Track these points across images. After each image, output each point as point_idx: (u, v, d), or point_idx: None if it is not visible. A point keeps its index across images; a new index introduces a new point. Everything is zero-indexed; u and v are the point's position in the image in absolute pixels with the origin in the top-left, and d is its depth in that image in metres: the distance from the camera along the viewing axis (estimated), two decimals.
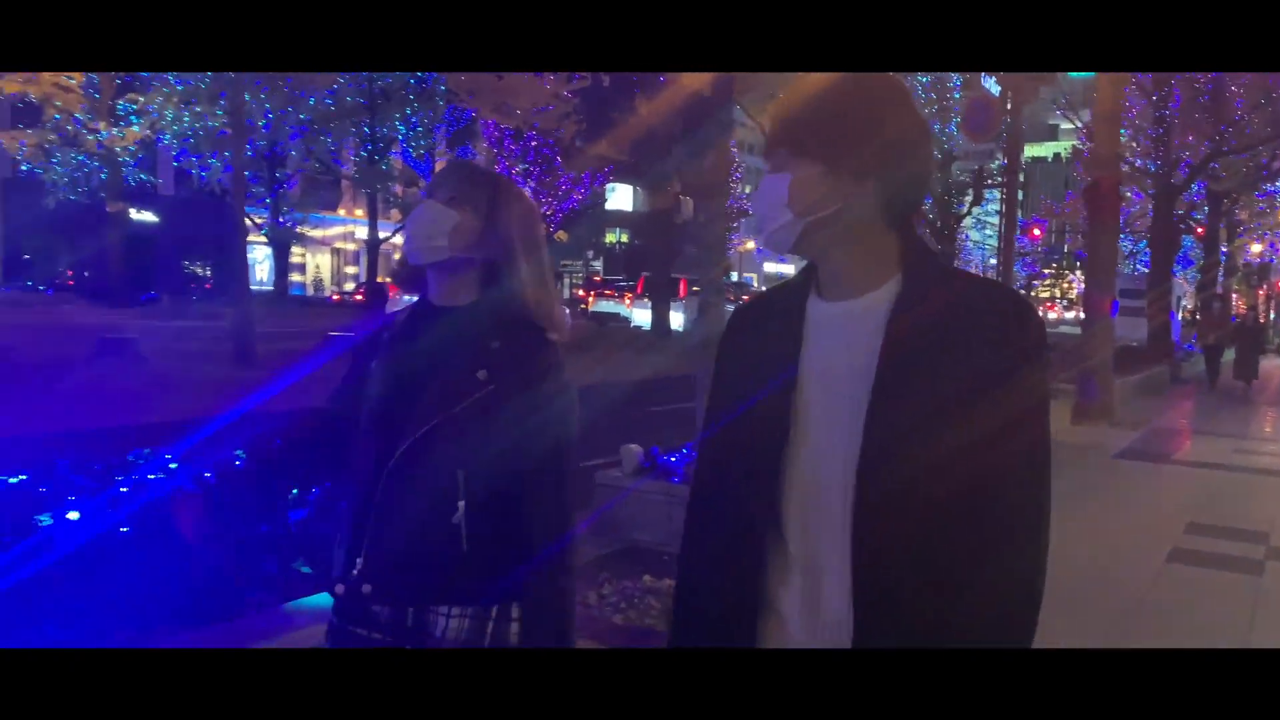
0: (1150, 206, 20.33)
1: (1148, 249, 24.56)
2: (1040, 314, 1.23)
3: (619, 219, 49.95)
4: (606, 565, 4.42)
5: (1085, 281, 11.30)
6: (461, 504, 1.53)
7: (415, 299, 1.71)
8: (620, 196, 49.42)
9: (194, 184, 30.42)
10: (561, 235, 39.38)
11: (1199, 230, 25.95)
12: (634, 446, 4.98)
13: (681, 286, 19.78)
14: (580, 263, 46.80)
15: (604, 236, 49.79)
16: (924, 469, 1.12)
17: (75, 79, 20.46)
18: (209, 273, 34.96)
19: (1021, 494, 1.16)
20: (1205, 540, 6.13)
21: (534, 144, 32.88)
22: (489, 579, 1.54)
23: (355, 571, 1.57)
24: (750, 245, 55.93)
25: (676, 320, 21.08)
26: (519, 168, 34.91)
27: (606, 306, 26.37)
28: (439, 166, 32.48)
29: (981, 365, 1.13)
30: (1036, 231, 37.34)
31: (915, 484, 1.13)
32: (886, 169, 1.19)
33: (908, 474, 1.12)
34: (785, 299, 1.29)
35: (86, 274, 29.46)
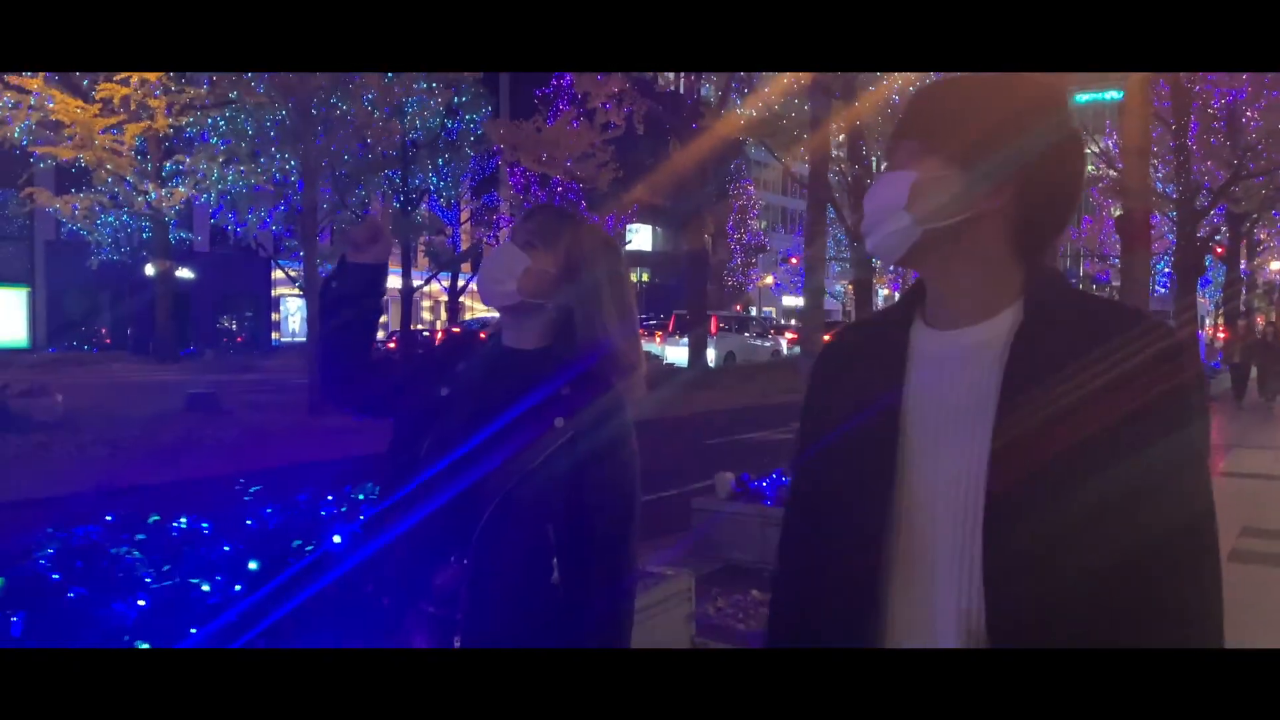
0: (1169, 230, 20.75)
1: (1166, 270, 24.91)
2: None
3: (640, 259, 50.73)
4: (712, 582, 4.83)
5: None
6: (555, 563, 1.50)
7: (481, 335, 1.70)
8: (641, 237, 50.21)
9: (230, 240, 31.34)
10: None
11: (1219, 250, 26.28)
12: (727, 474, 5.41)
13: (713, 323, 20.25)
14: None
15: None
16: (1063, 530, 0.99)
17: (126, 142, 21.27)
18: (234, 326, 35.76)
19: (1185, 560, 1.01)
20: (1261, 542, 6.49)
21: (559, 189, 33.82)
22: (582, 635, 1.50)
23: (457, 641, 1.52)
24: (769, 280, 56.51)
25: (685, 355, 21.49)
26: None
27: None
28: (464, 215, 33.43)
29: (1128, 408, 0.99)
30: None
31: (1052, 547, 0.99)
32: (1028, 181, 1.06)
33: (1043, 534, 0.99)
34: (885, 326, 1.19)
35: (129, 331, 30.28)
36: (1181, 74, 16.00)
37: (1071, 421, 0.99)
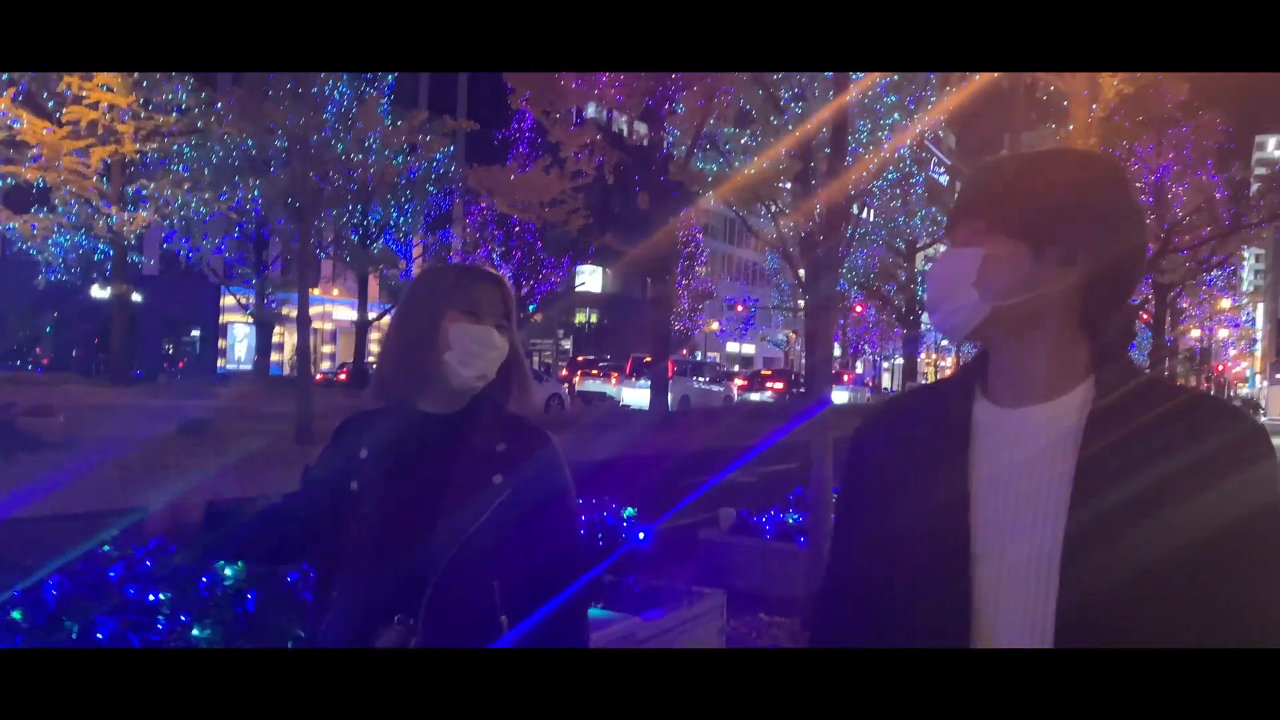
0: None
1: None
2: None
3: (590, 300, 51.37)
4: None
5: None
6: (504, 619, 1.51)
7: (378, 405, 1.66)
8: (591, 278, 50.94)
9: (180, 265, 31.16)
10: (537, 316, 40.62)
11: (1144, 317, 27.85)
12: (729, 509, 5.94)
13: (669, 367, 20.88)
14: (550, 341, 47.85)
15: (574, 317, 51.04)
16: (1141, 620, 0.98)
17: (91, 165, 21.27)
18: (175, 351, 35.29)
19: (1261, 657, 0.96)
20: None
21: (516, 229, 34.28)
22: None
23: None
24: (715, 326, 57.59)
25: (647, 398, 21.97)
26: (499, 250, 36.23)
27: (594, 386, 27.35)
28: (416, 250, 33.62)
29: (1207, 495, 0.98)
30: None
31: (1124, 619, 0.99)
32: (1096, 257, 1.06)
33: (1118, 621, 0.99)
34: (944, 400, 1.17)
35: (74, 353, 29.80)
36: (1115, 149, 17.19)
37: (1148, 506, 0.98)
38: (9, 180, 21.36)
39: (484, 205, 33.31)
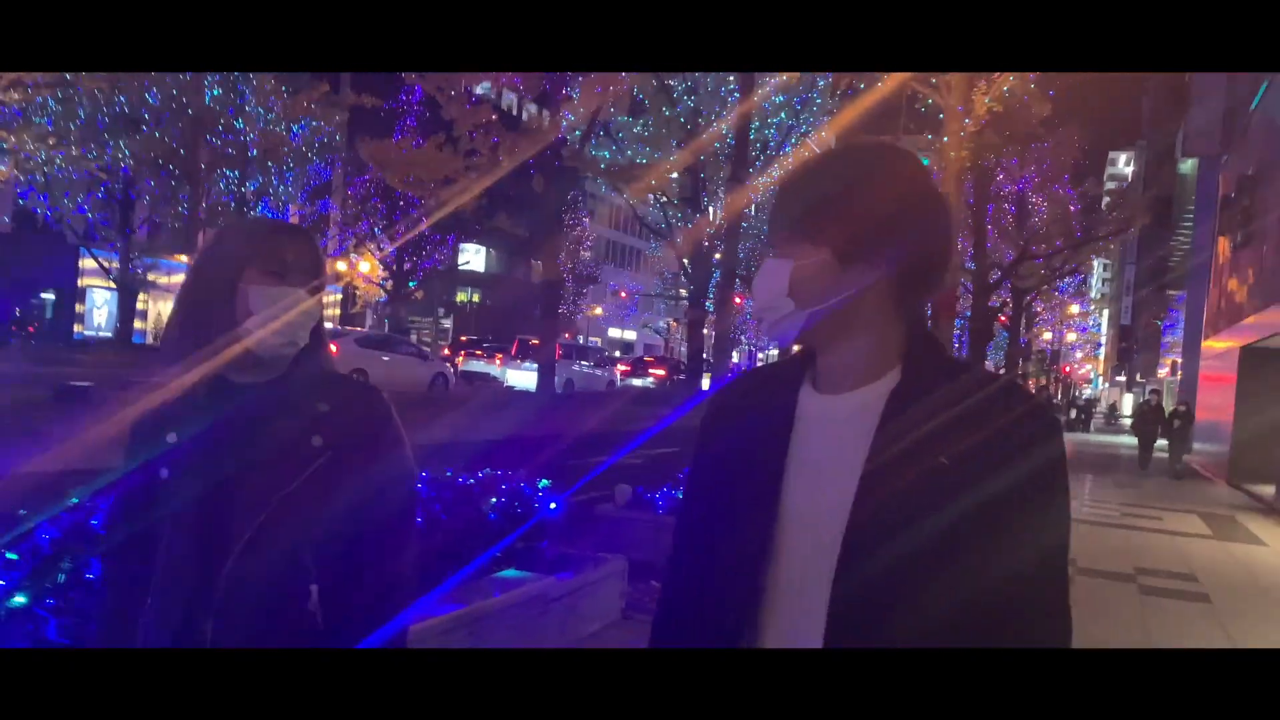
0: (966, 300, 23.60)
1: (962, 335, 28.08)
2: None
3: (472, 279, 50.87)
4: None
5: None
6: (314, 588, 1.41)
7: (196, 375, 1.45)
8: (474, 257, 50.46)
9: (37, 224, 29.45)
10: (419, 294, 40.08)
11: (1002, 319, 29.74)
12: (625, 486, 6.29)
13: (556, 350, 21.12)
14: (430, 320, 47.23)
15: (456, 295, 50.50)
16: (909, 579, 1.03)
17: None
18: (21, 315, 33.33)
19: (1031, 624, 1.05)
20: None
21: (402, 201, 33.72)
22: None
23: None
24: (598, 310, 57.97)
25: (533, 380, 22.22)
26: (381, 224, 35.60)
27: (477, 366, 27.28)
28: (294, 220, 32.57)
29: (992, 473, 1.02)
30: None
31: (897, 598, 1.03)
32: (900, 251, 1.08)
33: (887, 585, 1.03)
34: (775, 386, 1.20)
35: None
36: (982, 161, 18.37)
37: (933, 480, 1.02)
38: None
39: (367, 177, 32.75)
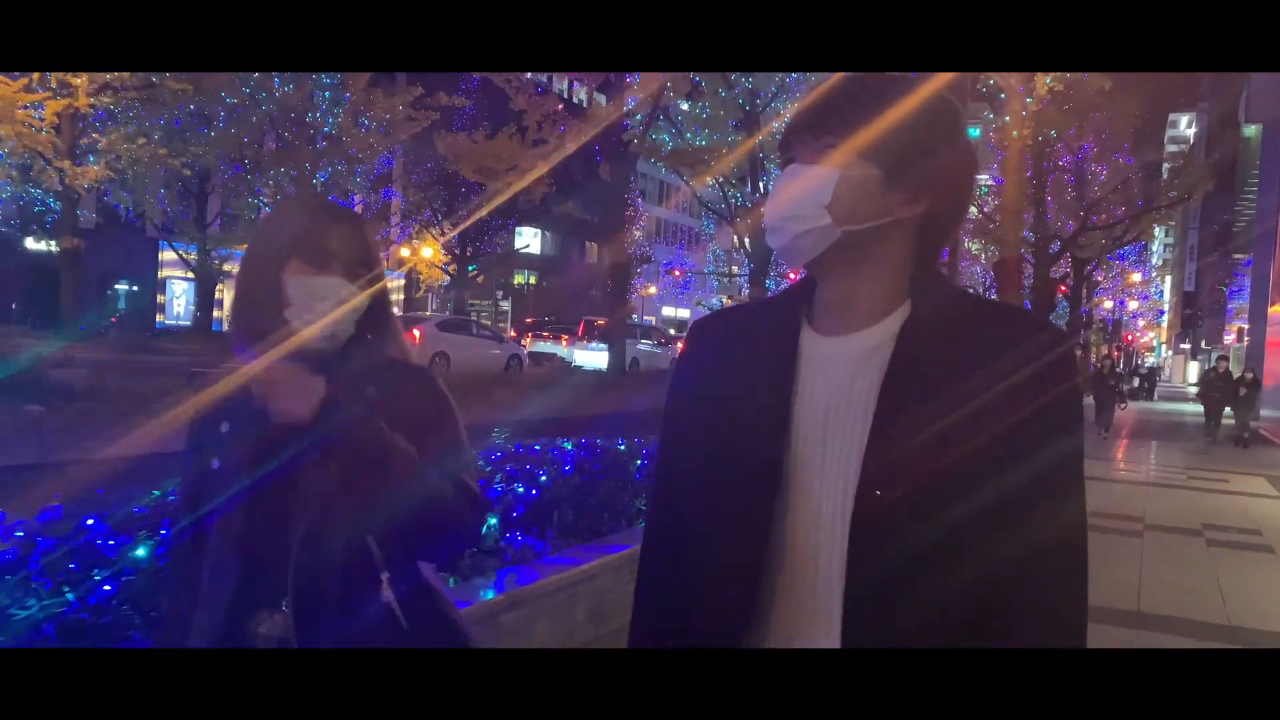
0: (1027, 272, 23.78)
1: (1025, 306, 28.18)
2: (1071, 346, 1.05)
3: (528, 261, 51.74)
4: None
5: None
6: (385, 576, 1.39)
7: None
8: (530, 239, 51.30)
9: (120, 218, 30.81)
10: (479, 278, 40.97)
11: (1062, 289, 29.72)
12: None
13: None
14: (489, 302, 48.14)
15: (513, 278, 51.38)
16: (931, 535, 0.96)
17: (46, 119, 21.11)
18: (106, 306, 34.90)
19: (1058, 572, 1.00)
20: (1097, 520, 8.51)
21: (463, 189, 34.52)
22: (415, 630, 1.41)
23: None
24: (652, 290, 58.50)
25: (604, 360, 22.82)
26: (443, 210, 36.49)
27: (544, 347, 28.07)
28: (359, 209, 33.47)
29: (1012, 410, 0.97)
30: None
31: (918, 553, 0.97)
32: (940, 189, 1.06)
33: (909, 538, 0.97)
34: (768, 327, 1.13)
35: (13, 305, 29.39)
36: (1040, 135, 18.54)
37: (953, 422, 0.97)
38: None
39: (429, 165, 33.57)
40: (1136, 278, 46.22)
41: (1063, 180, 23.36)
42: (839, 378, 1.06)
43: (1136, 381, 38.62)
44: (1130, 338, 61.67)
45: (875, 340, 1.06)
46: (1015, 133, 12.29)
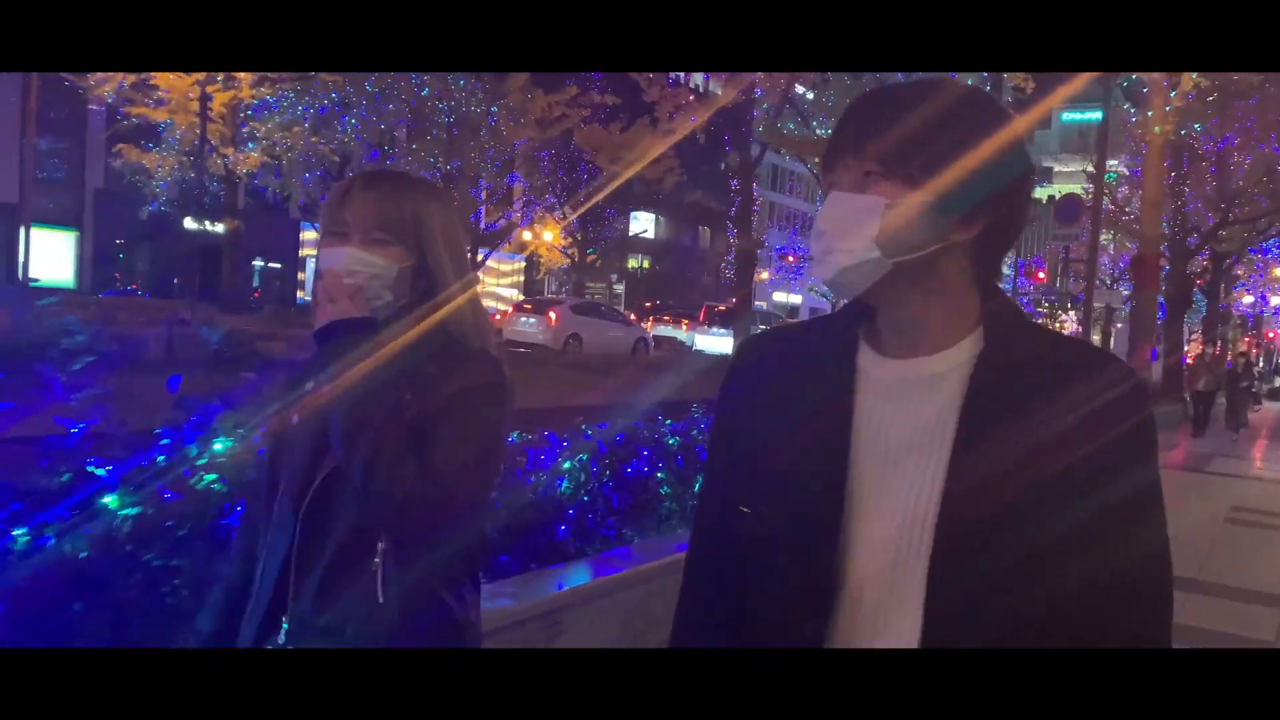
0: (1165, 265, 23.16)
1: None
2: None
3: (641, 245, 52.49)
4: None
5: (1131, 332, 13.93)
6: (381, 545, 1.39)
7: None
8: (643, 224, 51.98)
9: (267, 199, 32.81)
10: (597, 262, 41.90)
11: (1199, 283, 28.71)
12: None
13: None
14: (604, 285, 49.03)
15: (627, 262, 52.21)
16: (1014, 571, 0.94)
17: (214, 109, 22.81)
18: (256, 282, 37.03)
19: (1140, 604, 0.98)
20: (1249, 515, 8.68)
21: (585, 174, 35.35)
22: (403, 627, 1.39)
23: (281, 639, 1.43)
24: (765, 275, 58.50)
25: (728, 345, 23.45)
26: (564, 196, 37.42)
27: (665, 331, 28.75)
28: (485, 194, 34.44)
29: (1089, 444, 0.95)
30: (1041, 275, 40.04)
31: (1000, 588, 0.95)
32: (1001, 210, 1.01)
33: (992, 573, 0.95)
34: (825, 348, 1.09)
35: (175, 280, 31.71)
36: (1182, 128, 18.07)
37: (1031, 457, 0.95)
38: (133, 120, 23.02)
39: (551, 152, 34.49)
40: (1279, 272, 43.96)
41: (1203, 171, 22.60)
42: (907, 401, 1.03)
43: (1278, 381, 36.90)
44: (1272, 335, 58.60)
45: (945, 366, 1.03)
46: (1157, 128, 12.24)
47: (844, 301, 1.10)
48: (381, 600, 1.38)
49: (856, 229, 1.00)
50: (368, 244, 1.45)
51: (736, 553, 1.11)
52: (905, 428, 1.02)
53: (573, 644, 3.05)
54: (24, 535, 2.21)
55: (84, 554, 2.27)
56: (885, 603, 1.00)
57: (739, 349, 1.21)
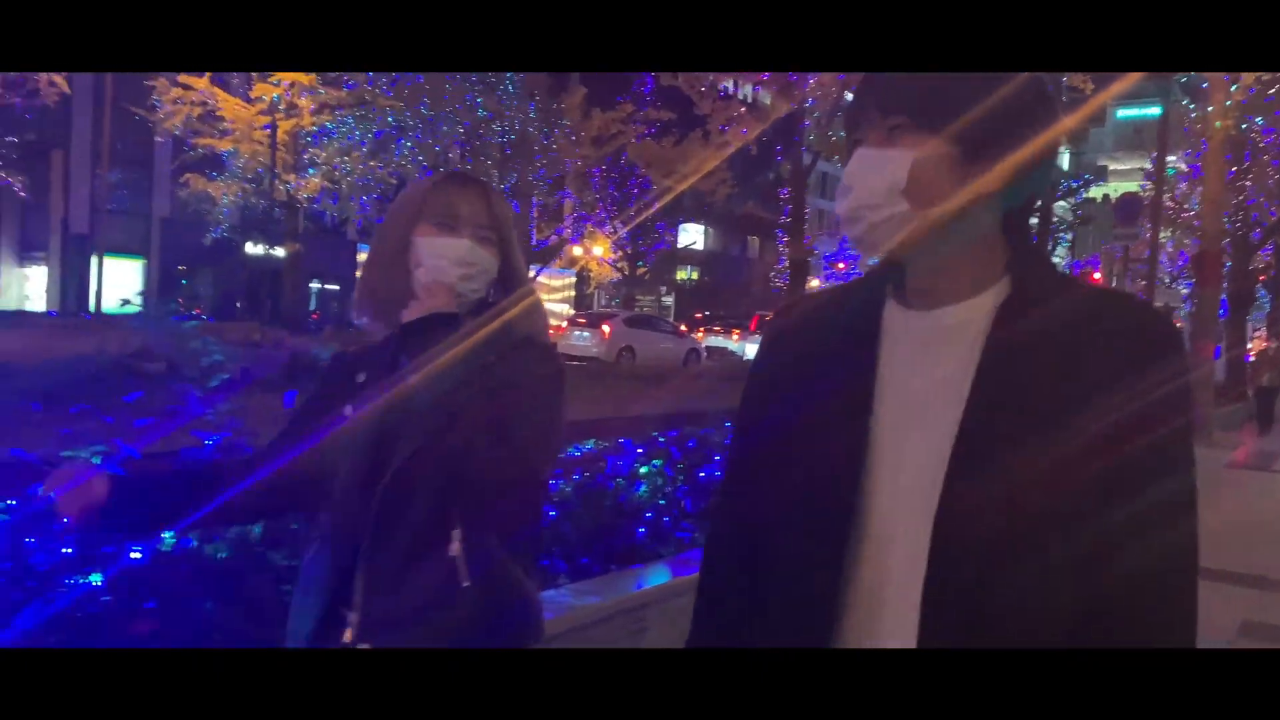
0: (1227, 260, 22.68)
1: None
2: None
3: (690, 257, 52.58)
4: None
5: (1192, 330, 13.73)
6: (457, 533, 1.41)
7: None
8: (692, 236, 52.11)
9: (325, 223, 33.64)
10: (647, 274, 42.17)
11: (1261, 279, 28.03)
12: None
13: None
14: (653, 297, 49.25)
15: (675, 274, 52.37)
16: (1023, 515, 0.91)
17: (279, 137, 23.50)
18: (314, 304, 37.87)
19: (1161, 573, 0.93)
20: None
21: (635, 190, 35.66)
22: (491, 619, 1.42)
23: (349, 634, 1.43)
24: (815, 283, 58.16)
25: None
26: (615, 210, 37.77)
27: (716, 341, 28.90)
28: (535, 211, 34.95)
29: (1117, 396, 0.91)
30: (1097, 276, 39.37)
31: (1009, 535, 0.91)
32: (1028, 160, 0.99)
33: (998, 519, 0.91)
34: (851, 303, 1.09)
35: (238, 304, 32.65)
36: (1244, 123, 17.74)
37: (1051, 405, 0.92)
38: (200, 150, 23.84)
39: (602, 168, 34.86)
40: None
41: (1265, 165, 22.11)
42: (929, 350, 1.02)
43: None
44: None
45: (969, 315, 1.01)
46: (1218, 123, 12.11)
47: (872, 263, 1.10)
48: (466, 584, 1.40)
49: (884, 183, 1.00)
50: (479, 240, 1.50)
51: (759, 515, 1.11)
52: (926, 379, 1.01)
53: (656, 640, 3.25)
54: (170, 538, 2.45)
55: (223, 554, 2.53)
56: (905, 549, 0.98)
57: (779, 313, 1.22)
